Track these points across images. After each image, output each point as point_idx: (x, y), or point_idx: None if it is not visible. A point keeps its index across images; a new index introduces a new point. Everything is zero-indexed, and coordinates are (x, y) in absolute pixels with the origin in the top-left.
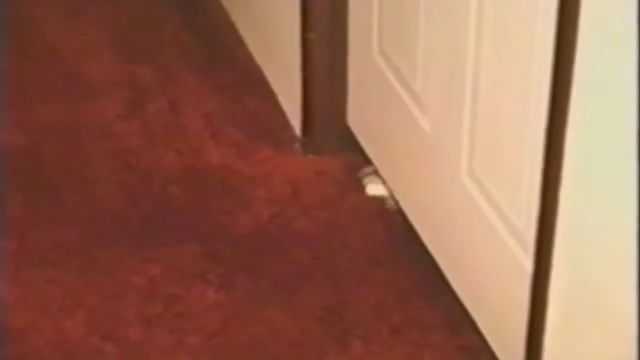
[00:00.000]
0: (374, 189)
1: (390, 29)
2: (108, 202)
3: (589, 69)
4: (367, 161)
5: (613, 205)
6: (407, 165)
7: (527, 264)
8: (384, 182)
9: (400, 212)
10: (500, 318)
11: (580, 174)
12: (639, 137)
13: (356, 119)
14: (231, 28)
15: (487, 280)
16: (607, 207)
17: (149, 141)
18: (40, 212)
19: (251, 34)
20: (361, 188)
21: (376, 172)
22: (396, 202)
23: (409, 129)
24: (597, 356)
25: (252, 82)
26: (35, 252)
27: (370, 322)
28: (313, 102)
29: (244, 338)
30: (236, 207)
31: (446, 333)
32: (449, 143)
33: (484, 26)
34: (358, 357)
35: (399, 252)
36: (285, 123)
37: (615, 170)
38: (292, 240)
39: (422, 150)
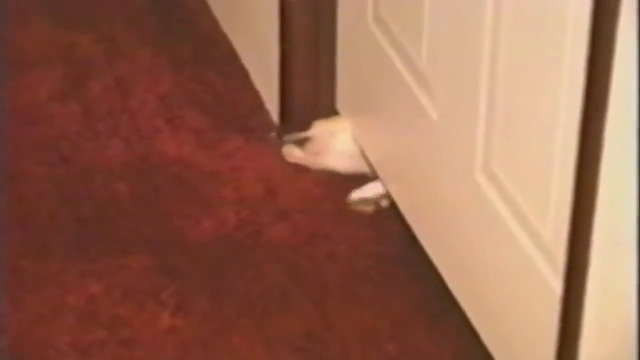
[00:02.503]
0: (368, 190)
1: None
2: (39, 202)
3: (633, 48)
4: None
5: None
6: (409, 160)
7: (556, 284)
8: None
9: (398, 217)
10: (522, 349)
11: (622, 175)
12: (639, 137)
13: (347, 103)
14: None
15: (506, 302)
16: None
17: (90, 128)
18: None
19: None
20: (351, 188)
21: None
22: (394, 205)
23: (412, 116)
24: None
25: (217, 55)
26: None
27: (359, 353)
28: (293, 81)
29: None
30: (197, 210)
31: None
32: (461, 133)
33: None
34: None
35: (396, 266)
36: (259, 106)
37: None
38: (265, 252)
39: (428, 142)
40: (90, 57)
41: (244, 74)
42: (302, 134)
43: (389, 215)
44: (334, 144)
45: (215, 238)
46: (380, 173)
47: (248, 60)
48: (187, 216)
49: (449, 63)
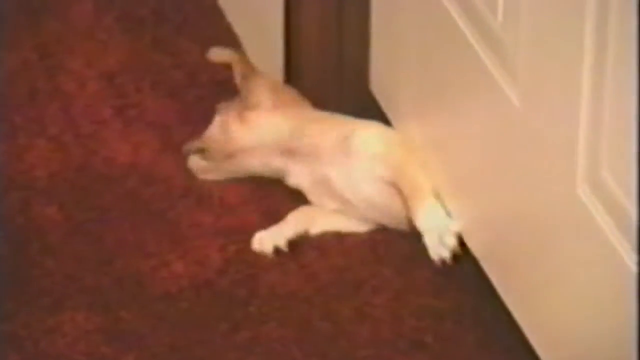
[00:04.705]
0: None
1: None
2: None
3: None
4: None
5: None
6: (479, 162)
7: None
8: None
9: (464, 254)
10: None
11: None
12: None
13: (385, 81)
14: None
15: None
16: None
17: (2, 121)
18: None
19: None
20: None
21: None
22: (457, 232)
23: (483, 100)
24: None
25: (192, 12)
26: None
27: None
28: (305, 49)
29: None
30: (163, 245)
31: None
32: (554, 125)
33: None
34: None
35: (461, 327)
36: None
37: None
38: (263, 306)
39: (506, 137)
40: (2, 15)
41: (232, 40)
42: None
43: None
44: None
45: (190, 286)
46: (436, 180)
47: (238, 18)
48: (148, 254)
49: (535, 22)
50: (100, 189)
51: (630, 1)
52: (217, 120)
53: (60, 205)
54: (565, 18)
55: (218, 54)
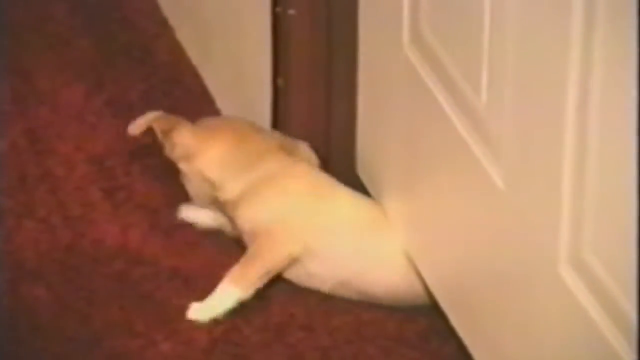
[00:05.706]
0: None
1: (434, 2)
2: None
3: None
4: None
5: None
6: (463, 245)
7: None
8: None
9: (449, 333)
10: None
11: None
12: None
13: (371, 164)
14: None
15: None
16: None
17: None
18: None
19: (180, 16)
20: None
21: None
22: (443, 316)
23: (468, 183)
24: None
25: (181, 97)
26: None
27: None
28: (294, 135)
29: None
30: (150, 326)
31: None
32: (538, 208)
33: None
34: None
35: None
36: None
37: None
38: None
39: (491, 219)
40: None
41: None
42: None
43: (436, 330)
44: None
45: None
46: (419, 265)
47: (226, 103)
48: (136, 334)
49: (519, 105)
50: (89, 270)
51: (611, 84)
52: None
53: (48, 286)
54: (548, 99)
55: (137, 125)
